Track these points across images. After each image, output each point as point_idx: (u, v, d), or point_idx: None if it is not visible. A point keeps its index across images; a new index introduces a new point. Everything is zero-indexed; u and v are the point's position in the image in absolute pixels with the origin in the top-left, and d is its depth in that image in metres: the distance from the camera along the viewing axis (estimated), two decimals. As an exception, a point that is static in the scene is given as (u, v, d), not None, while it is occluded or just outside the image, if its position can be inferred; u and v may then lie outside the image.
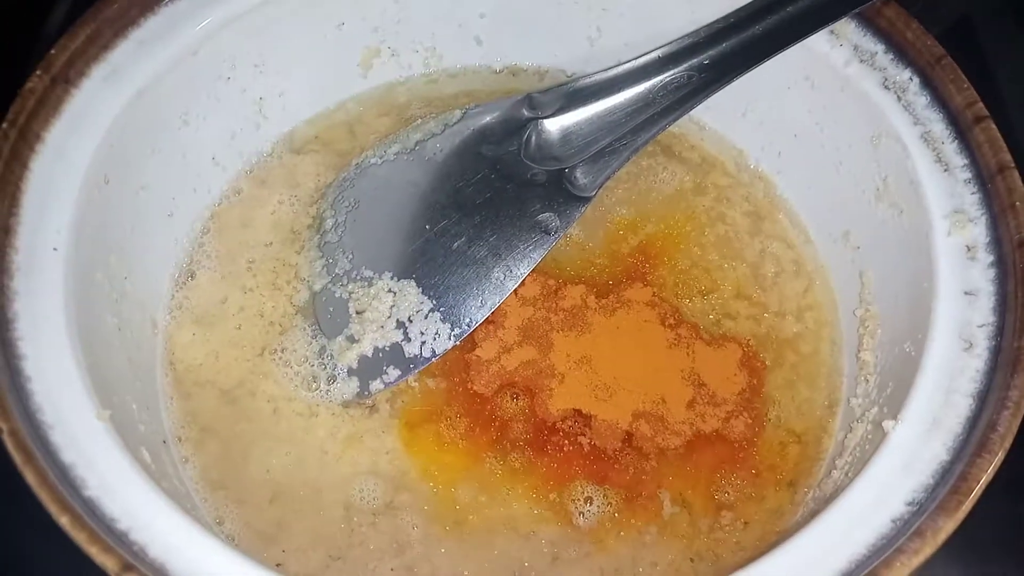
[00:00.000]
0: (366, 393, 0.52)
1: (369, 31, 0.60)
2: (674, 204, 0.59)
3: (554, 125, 0.56)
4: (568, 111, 0.56)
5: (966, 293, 0.45)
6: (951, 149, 0.49)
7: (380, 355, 0.52)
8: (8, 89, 0.47)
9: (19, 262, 0.43)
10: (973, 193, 0.47)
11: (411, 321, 0.52)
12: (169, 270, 0.55)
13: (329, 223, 0.56)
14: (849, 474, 0.46)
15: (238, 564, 0.38)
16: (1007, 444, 0.40)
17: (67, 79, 0.48)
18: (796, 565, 0.38)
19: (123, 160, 0.49)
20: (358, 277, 0.54)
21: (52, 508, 0.36)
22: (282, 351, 0.54)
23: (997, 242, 0.46)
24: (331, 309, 0.54)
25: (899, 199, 0.50)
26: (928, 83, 0.50)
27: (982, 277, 0.45)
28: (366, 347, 0.52)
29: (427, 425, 0.52)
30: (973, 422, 0.41)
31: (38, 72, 0.47)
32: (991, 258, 0.46)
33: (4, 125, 0.45)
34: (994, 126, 0.48)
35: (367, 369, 0.52)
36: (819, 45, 0.52)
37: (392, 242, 0.55)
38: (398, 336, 0.52)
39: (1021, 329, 0.43)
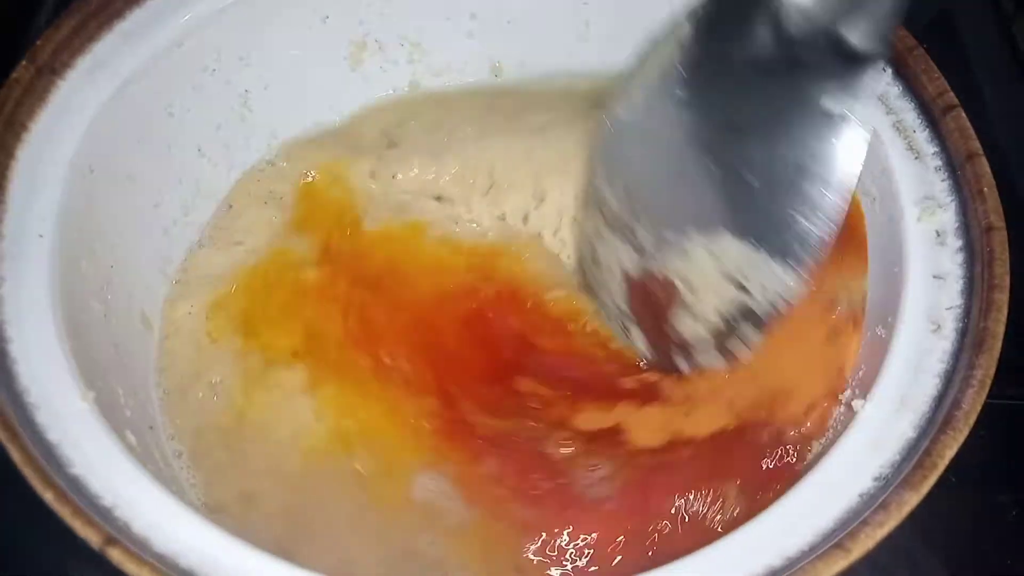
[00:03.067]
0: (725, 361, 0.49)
1: (355, 24, 0.60)
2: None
3: None
4: None
5: (935, 277, 0.46)
6: (922, 137, 0.49)
7: (726, 318, 0.48)
8: (-3, 80, 0.47)
9: (5, 248, 0.44)
10: (943, 180, 0.48)
11: (744, 275, 0.47)
12: (157, 260, 0.56)
13: (613, 202, 0.52)
14: (821, 452, 0.47)
15: (223, 540, 0.38)
16: (971, 421, 0.40)
17: (53, 70, 0.48)
18: (765, 537, 0.39)
19: (108, 150, 0.50)
20: (669, 246, 0.49)
21: (36, 484, 0.37)
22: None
23: (965, 227, 0.47)
24: (653, 286, 0.50)
25: (871, 186, 0.51)
26: (900, 73, 0.51)
27: (951, 261, 0.46)
28: (709, 314, 0.49)
29: None
30: (939, 400, 0.42)
31: (24, 62, 0.47)
32: (960, 243, 0.46)
33: (-10, 114, 0.46)
34: (964, 115, 0.49)
35: (717, 335, 0.49)
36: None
37: (683, 195, 0.48)
38: (737, 294, 0.47)
39: (986, 311, 0.43)
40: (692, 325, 0.50)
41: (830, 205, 0.43)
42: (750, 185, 0.45)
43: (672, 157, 0.49)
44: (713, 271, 0.48)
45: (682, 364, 0.51)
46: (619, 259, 0.52)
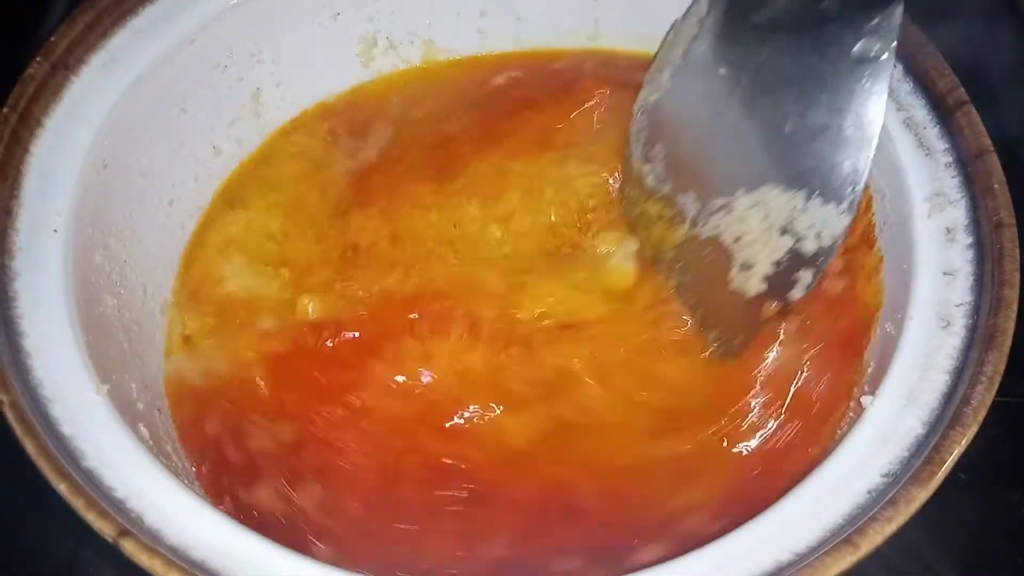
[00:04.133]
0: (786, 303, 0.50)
1: (365, 20, 0.60)
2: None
3: None
4: None
5: (945, 273, 0.46)
6: (933, 134, 0.49)
7: (782, 267, 0.49)
8: (10, 76, 0.48)
9: (20, 243, 0.44)
10: (954, 176, 0.48)
11: (793, 221, 0.48)
12: (170, 255, 0.56)
13: (651, 178, 0.54)
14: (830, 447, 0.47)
15: (234, 532, 0.39)
16: (980, 418, 0.40)
17: (67, 66, 0.49)
18: (774, 531, 0.39)
19: (121, 146, 0.50)
20: (715, 210, 0.51)
21: (50, 476, 0.37)
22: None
23: (976, 224, 0.47)
24: (706, 252, 0.51)
25: (882, 183, 0.51)
26: (911, 70, 0.51)
27: (961, 258, 0.46)
28: (765, 267, 0.50)
29: None
30: (948, 397, 0.42)
31: (38, 59, 0.48)
32: (970, 239, 0.46)
33: (5, 110, 0.46)
34: (975, 111, 0.49)
35: (777, 285, 0.49)
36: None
37: (727, 160, 0.51)
38: (789, 241, 0.49)
39: (996, 307, 0.43)
40: (749, 280, 0.50)
41: (866, 139, 0.46)
42: (790, 136, 0.48)
43: (710, 126, 0.51)
44: (765, 224, 0.49)
45: (744, 328, 0.51)
46: (669, 235, 0.54)
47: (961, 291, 0.45)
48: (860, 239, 0.53)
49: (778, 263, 0.49)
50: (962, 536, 0.57)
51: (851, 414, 0.48)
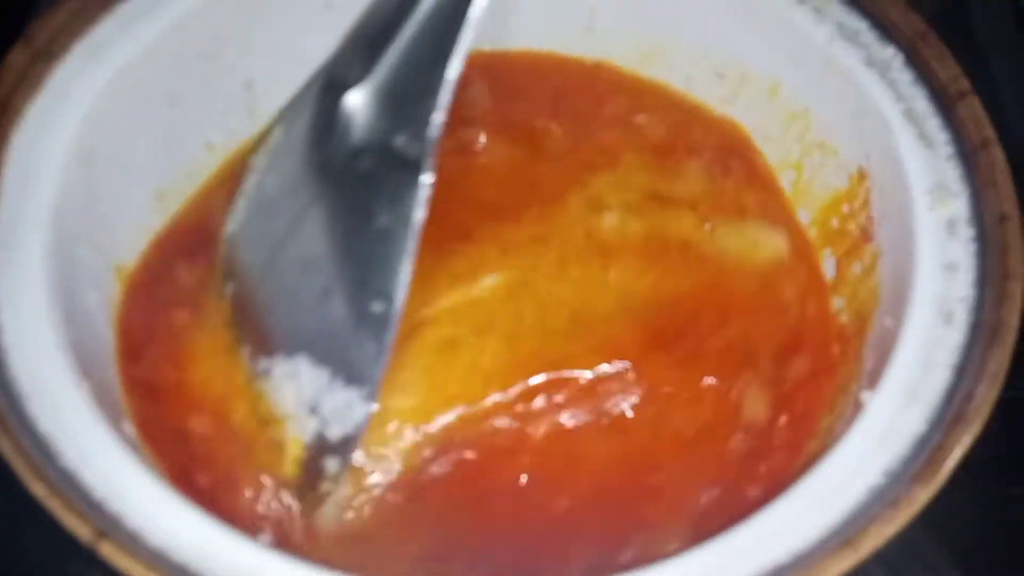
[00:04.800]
0: (319, 494, 0.45)
1: (359, 10, 0.58)
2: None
3: (362, 95, 0.46)
4: (373, 66, 0.46)
5: (946, 267, 0.45)
6: (934, 125, 0.49)
7: (311, 452, 0.45)
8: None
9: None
10: (955, 168, 0.47)
11: (319, 400, 0.44)
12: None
13: (223, 317, 0.49)
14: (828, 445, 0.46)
15: (219, 534, 0.38)
16: (984, 415, 0.40)
17: (49, 54, 0.48)
18: (772, 532, 0.38)
19: (107, 137, 0.49)
20: (260, 372, 0.46)
21: (26, 477, 0.36)
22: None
23: (978, 216, 0.46)
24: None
25: (881, 175, 0.50)
26: (912, 60, 0.50)
27: (962, 251, 0.45)
28: (295, 449, 0.46)
29: None
30: (951, 394, 0.41)
31: (19, 46, 0.47)
32: (972, 232, 0.46)
33: (-16, 98, 0.45)
34: (977, 101, 0.48)
35: (310, 472, 0.45)
36: (801, 22, 0.52)
37: (273, 317, 0.47)
38: (316, 423, 0.44)
39: (1000, 302, 0.43)
40: (284, 462, 0.46)
41: (390, 319, 0.42)
42: (326, 303, 0.44)
43: (267, 272, 0.47)
44: (296, 401, 0.45)
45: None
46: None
47: (963, 285, 0.44)
48: (858, 232, 0.52)
49: (308, 447, 0.45)
50: (963, 533, 0.56)
51: (849, 410, 0.47)
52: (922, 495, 0.38)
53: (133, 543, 0.36)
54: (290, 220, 0.47)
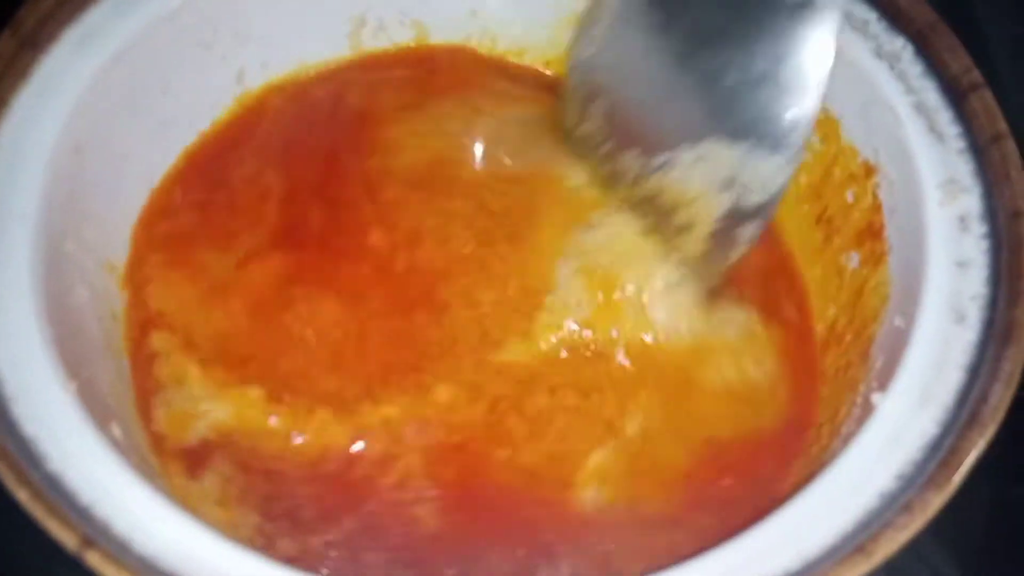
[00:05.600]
0: (730, 260, 0.49)
1: (351, 1, 0.59)
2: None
3: None
4: None
5: (958, 264, 0.44)
6: (945, 118, 0.48)
7: (725, 223, 0.48)
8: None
9: (-16, 229, 0.42)
10: (967, 163, 0.46)
11: (736, 174, 0.47)
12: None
13: (589, 137, 0.53)
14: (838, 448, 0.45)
15: (209, 539, 0.37)
16: (999, 417, 0.39)
17: (36, 42, 0.47)
18: (782, 537, 0.37)
19: (97, 128, 0.49)
20: (657, 167, 0.49)
21: (9, 481, 0.35)
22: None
23: (991, 212, 0.45)
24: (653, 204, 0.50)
25: (890, 169, 0.49)
26: (922, 51, 0.49)
27: (975, 248, 0.44)
28: (706, 226, 0.49)
29: None
30: (964, 395, 0.40)
31: (5, 34, 0.46)
32: (984, 229, 0.45)
33: (-31, 89, 0.44)
34: (990, 94, 0.47)
35: (720, 243, 0.48)
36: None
37: (667, 114, 0.49)
38: (731, 195, 0.47)
39: (1014, 300, 0.42)
40: (689, 243, 0.49)
41: (808, 87, 0.44)
42: (730, 87, 0.46)
43: (647, 79, 0.50)
44: (708, 180, 0.48)
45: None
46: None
47: (975, 283, 0.43)
48: (867, 227, 0.51)
49: (720, 219, 0.48)
50: (966, 534, 0.56)
51: (858, 411, 0.46)
52: (936, 500, 0.37)
53: (121, 551, 0.35)
54: (672, 22, 0.49)
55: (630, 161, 0.51)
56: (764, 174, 0.46)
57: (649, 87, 0.50)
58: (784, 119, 0.45)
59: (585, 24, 0.53)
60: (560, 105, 0.55)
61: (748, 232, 0.48)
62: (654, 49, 0.49)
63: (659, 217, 0.50)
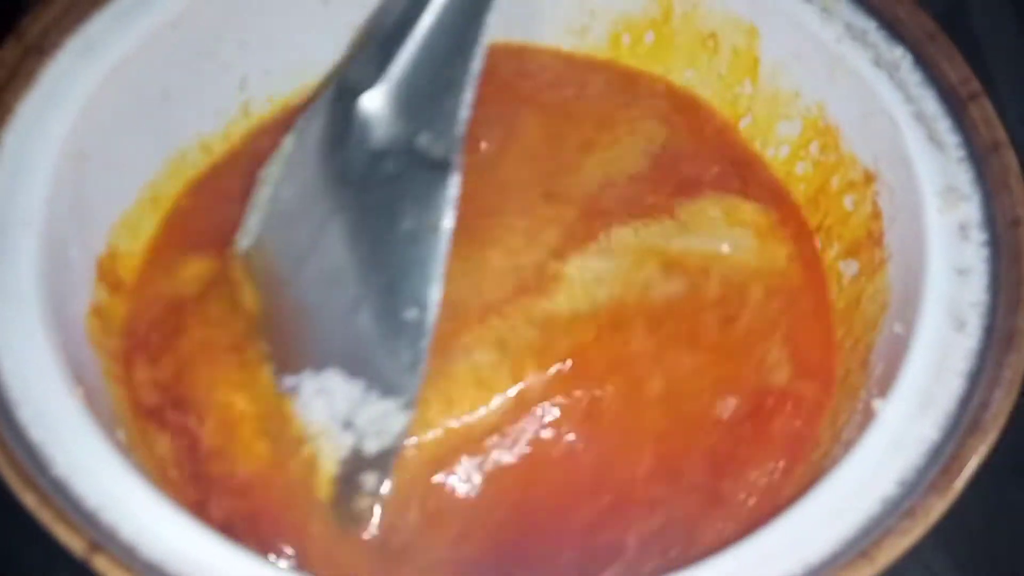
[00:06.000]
0: (360, 515, 0.44)
1: (357, 7, 0.58)
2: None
3: (379, 97, 0.45)
4: (387, 67, 0.45)
5: (958, 272, 0.44)
6: (944, 127, 0.48)
7: (346, 468, 0.43)
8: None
9: (-11, 236, 0.43)
10: (967, 171, 0.47)
11: (354, 414, 0.43)
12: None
13: (258, 326, 0.47)
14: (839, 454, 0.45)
15: (216, 545, 0.37)
16: (1000, 424, 0.39)
17: (41, 50, 0.47)
18: (785, 543, 0.37)
19: (101, 135, 0.49)
20: (286, 389, 0.45)
21: (16, 486, 0.35)
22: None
23: (991, 220, 0.45)
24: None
25: (891, 178, 0.49)
26: (921, 60, 0.49)
27: (975, 256, 0.45)
28: (331, 467, 0.44)
29: None
30: (965, 402, 0.41)
31: (11, 41, 0.46)
32: (984, 236, 0.45)
33: (-26, 96, 0.44)
34: (988, 103, 0.47)
35: (345, 490, 0.43)
36: (810, 22, 0.52)
37: (298, 332, 0.45)
38: (350, 438, 0.43)
39: (1013, 308, 0.42)
40: (319, 482, 0.44)
41: (425, 326, 0.41)
42: (356, 314, 0.43)
43: (290, 286, 0.46)
44: (328, 416, 0.44)
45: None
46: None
47: (975, 290, 0.44)
48: (866, 235, 0.51)
49: (343, 463, 0.43)
50: (965, 539, 0.56)
51: (859, 417, 0.47)
52: (938, 505, 0.37)
53: (127, 555, 0.35)
54: (310, 231, 0.45)
55: (265, 376, 0.46)
56: (381, 417, 0.43)
57: (289, 298, 0.46)
58: (399, 360, 0.42)
59: (246, 214, 0.49)
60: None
61: (371, 482, 0.43)
62: (295, 259, 0.46)
63: (287, 449, 0.45)
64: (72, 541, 0.35)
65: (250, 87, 0.57)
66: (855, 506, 0.38)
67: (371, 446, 0.43)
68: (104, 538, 0.35)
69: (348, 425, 0.43)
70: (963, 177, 0.46)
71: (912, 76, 0.49)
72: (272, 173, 0.49)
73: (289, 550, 0.43)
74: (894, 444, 0.40)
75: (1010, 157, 0.46)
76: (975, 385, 0.41)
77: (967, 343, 0.42)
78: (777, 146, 0.57)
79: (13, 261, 0.42)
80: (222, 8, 0.53)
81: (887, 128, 0.49)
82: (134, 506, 0.37)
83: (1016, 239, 0.44)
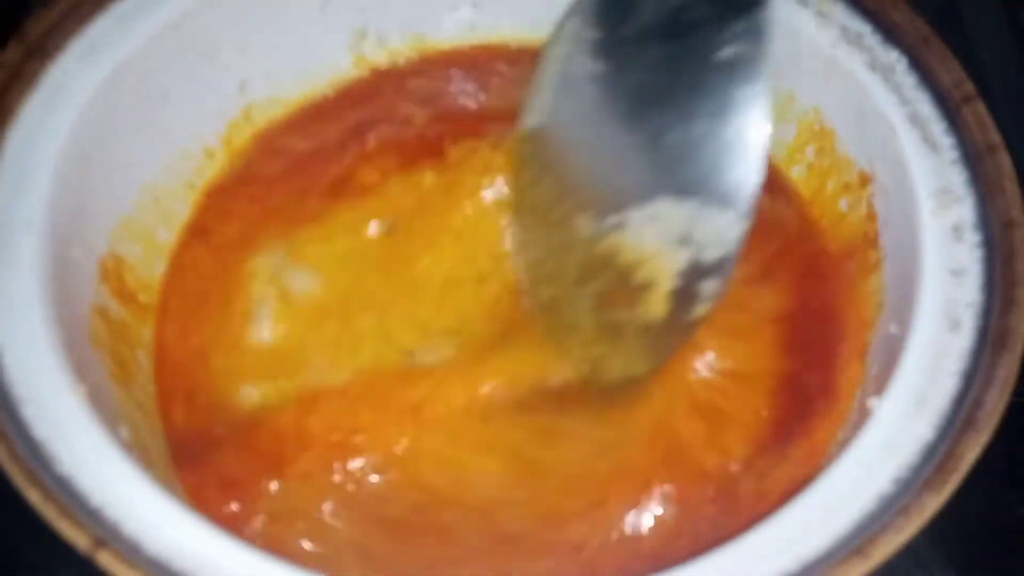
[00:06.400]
0: (693, 320, 0.47)
1: (355, 12, 0.59)
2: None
3: None
4: None
5: (952, 272, 0.45)
6: (939, 129, 0.48)
7: (685, 280, 0.47)
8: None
9: (-9, 237, 0.43)
10: (961, 173, 0.47)
11: (690, 231, 0.46)
12: (158, 251, 0.54)
13: (549, 202, 0.52)
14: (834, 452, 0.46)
15: (219, 541, 0.37)
16: (994, 422, 0.39)
17: (43, 52, 0.47)
18: (780, 540, 0.38)
19: (102, 137, 0.49)
20: (609, 228, 0.48)
21: (20, 483, 0.36)
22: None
23: (985, 222, 0.45)
24: (601, 279, 0.50)
25: (885, 179, 0.50)
26: (916, 64, 0.50)
27: (969, 256, 0.45)
28: (667, 283, 0.47)
29: None
30: (959, 401, 0.41)
31: (12, 44, 0.46)
32: (978, 238, 0.45)
33: (-24, 98, 0.44)
34: (982, 106, 0.48)
35: (683, 300, 0.47)
36: (805, 26, 0.52)
37: (617, 176, 0.49)
38: (688, 252, 0.46)
39: (1007, 308, 0.42)
40: (652, 302, 0.48)
41: (750, 144, 0.44)
42: (675, 147, 0.46)
43: (595, 143, 0.50)
44: (661, 238, 0.47)
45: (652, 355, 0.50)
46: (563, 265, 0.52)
47: (970, 291, 0.44)
48: (862, 237, 0.52)
49: (680, 276, 0.47)
50: (960, 537, 0.56)
51: (854, 416, 0.47)
52: (933, 503, 0.38)
53: (132, 551, 0.35)
54: (613, 88, 0.49)
55: (583, 225, 0.50)
56: (718, 229, 0.45)
57: (598, 150, 0.50)
58: (730, 177, 0.45)
59: (530, 96, 0.53)
60: (510, 176, 0.54)
61: (710, 288, 0.46)
62: (600, 114, 0.49)
63: (617, 281, 0.49)
64: (76, 537, 0.35)
65: (249, 90, 0.58)
66: (850, 503, 0.39)
67: (710, 254, 0.46)
68: (108, 534, 0.36)
69: (685, 241, 0.46)
70: (957, 179, 0.47)
71: (907, 79, 0.50)
72: (557, 51, 0.51)
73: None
74: (889, 442, 0.40)
75: (1004, 159, 0.46)
76: (969, 384, 0.41)
77: (961, 343, 0.43)
78: (773, 150, 0.57)
79: (16, 261, 0.43)
80: (223, 11, 0.53)
81: (882, 131, 0.49)
82: (138, 502, 0.37)
83: (1010, 240, 0.44)
